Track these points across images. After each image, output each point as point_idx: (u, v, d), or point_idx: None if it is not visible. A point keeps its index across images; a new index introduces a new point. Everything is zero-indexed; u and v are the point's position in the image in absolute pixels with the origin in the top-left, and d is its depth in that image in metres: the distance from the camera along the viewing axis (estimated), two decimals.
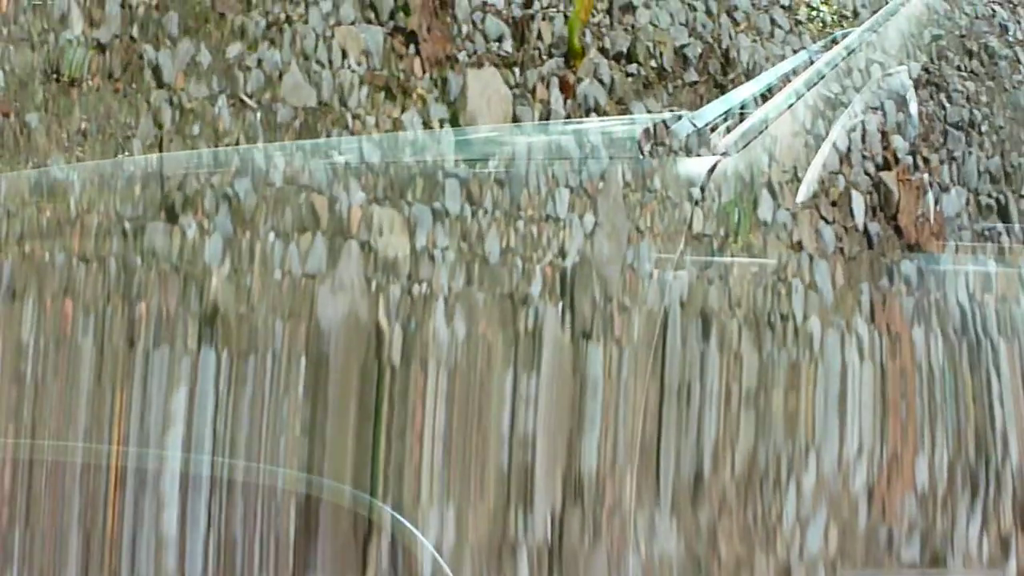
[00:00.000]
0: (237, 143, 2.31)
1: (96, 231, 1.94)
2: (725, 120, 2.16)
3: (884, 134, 2.07)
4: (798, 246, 1.95)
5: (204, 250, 1.91)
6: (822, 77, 2.15)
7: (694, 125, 2.08)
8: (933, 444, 1.89)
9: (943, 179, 2.07)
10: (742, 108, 2.20)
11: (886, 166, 2.05)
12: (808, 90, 2.13)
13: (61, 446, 1.82)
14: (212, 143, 2.29)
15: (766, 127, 2.05)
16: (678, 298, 1.88)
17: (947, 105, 2.20)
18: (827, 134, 2.06)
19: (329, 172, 2.09)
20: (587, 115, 2.38)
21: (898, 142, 2.07)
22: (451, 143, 2.26)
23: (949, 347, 1.91)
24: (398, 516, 1.78)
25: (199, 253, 1.91)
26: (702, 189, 1.95)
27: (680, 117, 2.12)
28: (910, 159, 2.06)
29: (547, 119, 2.36)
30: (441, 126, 2.36)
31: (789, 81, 2.22)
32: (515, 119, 2.36)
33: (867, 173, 2.03)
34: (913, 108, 2.15)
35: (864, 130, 2.07)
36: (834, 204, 1.99)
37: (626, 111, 2.40)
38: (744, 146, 2.02)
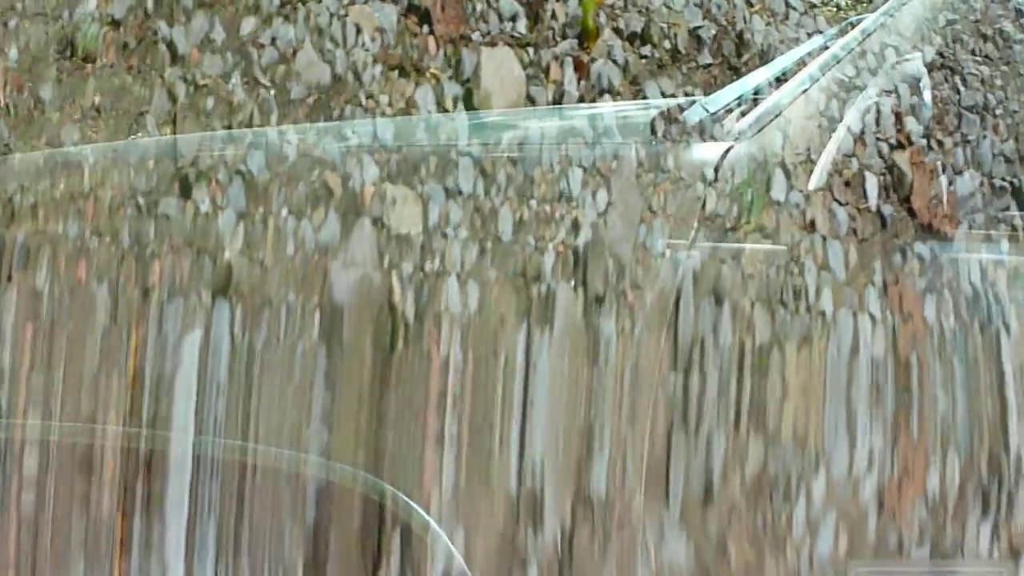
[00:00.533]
0: (251, 120, 2.31)
1: (110, 205, 1.95)
2: (739, 105, 2.15)
3: (898, 116, 2.07)
4: (811, 226, 1.95)
5: (217, 223, 1.91)
6: (837, 61, 2.15)
7: (707, 110, 2.08)
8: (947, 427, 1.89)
9: (957, 162, 2.07)
10: (756, 93, 2.20)
11: (900, 148, 2.04)
12: (823, 74, 2.12)
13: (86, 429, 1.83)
14: (226, 119, 2.29)
15: (780, 112, 2.05)
16: (691, 275, 1.88)
17: (961, 89, 2.19)
18: (841, 118, 2.06)
19: (342, 150, 2.10)
20: (601, 96, 2.38)
21: (912, 124, 2.06)
22: (464, 125, 2.26)
23: (961, 324, 1.91)
24: (410, 502, 1.78)
25: (212, 225, 1.91)
26: (715, 171, 1.95)
27: (694, 101, 2.12)
28: (924, 142, 2.06)
29: (561, 99, 2.36)
30: (455, 105, 2.35)
31: (804, 65, 2.21)
32: (529, 99, 2.36)
33: (881, 155, 2.03)
34: (927, 96, 2.15)
35: (878, 112, 2.07)
36: (847, 185, 1.99)
37: (640, 91, 2.40)
38: (758, 131, 2.01)
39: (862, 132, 2.05)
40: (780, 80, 2.22)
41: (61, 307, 1.86)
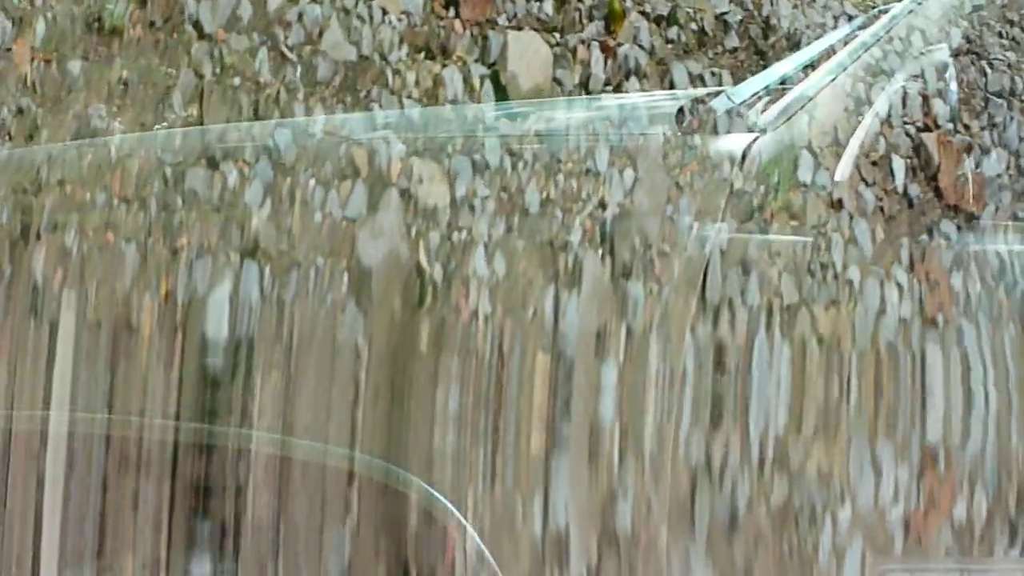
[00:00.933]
0: (277, 96, 2.32)
1: (137, 175, 1.95)
2: (766, 94, 2.15)
3: (925, 98, 2.08)
4: (838, 204, 1.95)
5: (244, 193, 1.92)
6: (865, 49, 2.15)
7: (733, 101, 2.08)
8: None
9: (984, 143, 2.07)
10: (783, 82, 2.20)
11: (927, 130, 2.05)
12: (851, 63, 2.12)
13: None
14: (253, 95, 2.30)
15: (807, 102, 2.05)
16: (718, 248, 1.88)
17: (988, 73, 2.20)
18: (869, 106, 2.06)
19: (368, 125, 2.10)
20: (627, 78, 2.39)
21: (939, 107, 2.07)
22: (492, 109, 2.27)
23: (987, 291, 1.92)
24: (437, 494, 1.78)
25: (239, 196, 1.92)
26: (742, 160, 1.95)
27: (721, 91, 2.12)
28: (951, 125, 2.06)
29: (588, 82, 2.37)
30: (481, 85, 2.36)
31: (831, 54, 2.22)
32: (556, 81, 2.37)
33: (908, 135, 2.03)
34: (953, 86, 2.15)
35: (905, 95, 2.08)
36: (874, 165, 2.00)
37: (667, 72, 2.40)
38: (784, 121, 2.01)
39: (889, 114, 2.05)
40: (807, 68, 2.23)
41: (90, 263, 1.86)
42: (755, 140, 1.98)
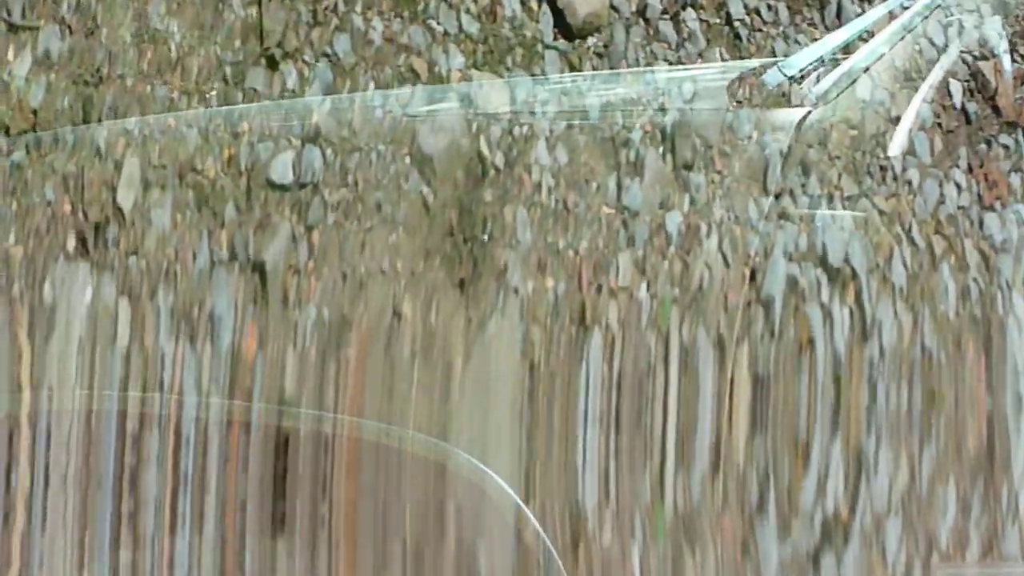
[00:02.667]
0: (335, 7, 2.33)
1: (197, 74, 1.97)
2: (820, 66, 2.16)
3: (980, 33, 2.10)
4: (896, 120, 1.97)
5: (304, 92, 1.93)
6: (920, 21, 2.16)
7: (785, 74, 2.08)
8: None
9: None
10: (835, 54, 2.20)
11: (983, 59, 2.07)
12: (904, 35, 2.13)
13: None
14: (311, 5, 2.31)
15: (860, 75, 2.05)
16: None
17: None
18: (922, 79, 2.07)
19: (428, 37, 2.12)
20: (684, 8, 2.40)
21: (993, 38, 2.09)
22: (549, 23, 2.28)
23: None
24: (482, 466, 1.77)
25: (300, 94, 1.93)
26: (797, 131, 1.96)
27: (773, 63, 2.13)
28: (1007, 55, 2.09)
29: (644, 10, 2.38)
30: (540, 6, 2.38)
31: (883, 25, 2.22)
32: (613, 8, 2.38)
33: (964, 63, 2.05)
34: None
35: (961, 27, 2.10)
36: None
37: (724, 5, 2.42)
38: (837, 95, 2.02)
39: (945, 44, 2.07)
40: (861, 39, 2.23)
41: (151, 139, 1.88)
42: (808, 114, 1.99)
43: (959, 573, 1.87)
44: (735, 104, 1.97)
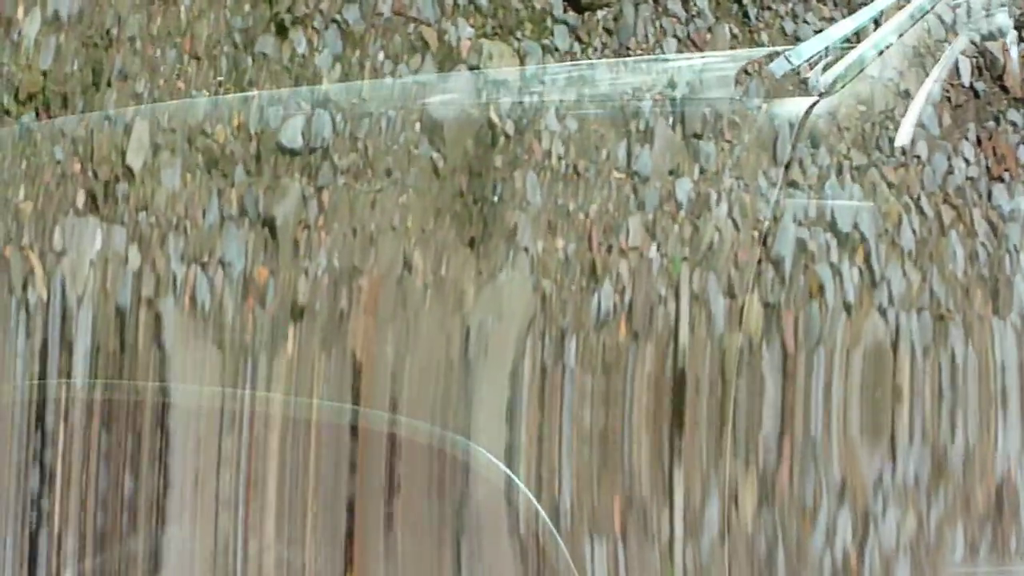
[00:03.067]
0: None
1: (207, 37, 1.97)
2: (825, 55, 2.16)
3: (987, 11, 2.10)
4: (905, 95, 1.97)
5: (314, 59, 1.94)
6: (926, 12, 2.16)
7: (791, 63, 2.08)
8: None
9: None
10: (843, 43, 2.20)
11: (991, 39, 2.08)
12: (912, 24, 2.13)
13: None
14: None
15: (867, 64, 2.05)
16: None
17: None
18: (927, 73, 2.07)
19: (437, 10, 2.12)
20: None
21: (1002, 19, 2.10)
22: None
23: None
24: (493, 458, 1.77)
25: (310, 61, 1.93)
26: (801, 125, 1.96)
27: (778, 53, 2.14)
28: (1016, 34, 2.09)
29: None
30: None
31: (890, 16, 2.23)
32: None
33: (973, 43, 2.06)
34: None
35: (969, 7, 2.10)
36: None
37: None
38: (843, 86, 2.02)
39: (953, 22, 2.07)
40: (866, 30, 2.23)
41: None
42: (814, 104, 1.99)
43: (970, 573, 1.87)
44: (742, 93, 1.98)
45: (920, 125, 1.94)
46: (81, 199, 1.85)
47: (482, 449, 1.75)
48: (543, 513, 1.77)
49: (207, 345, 1.77)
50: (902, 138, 1.96)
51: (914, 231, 1.87)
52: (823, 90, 2.01)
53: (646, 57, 2.42)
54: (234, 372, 1.76)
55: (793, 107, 1.92)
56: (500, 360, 1.77)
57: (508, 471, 1.76)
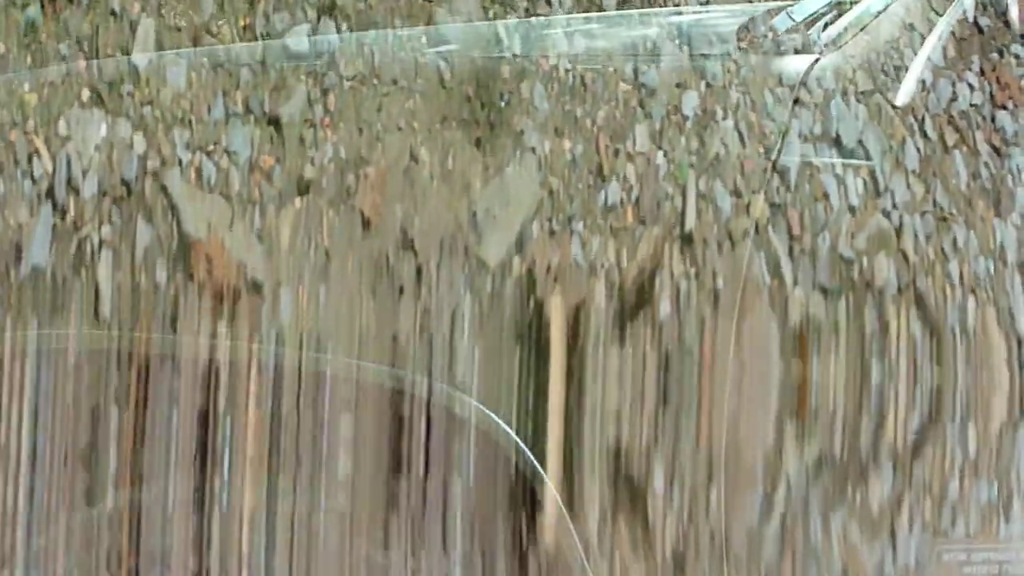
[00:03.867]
0: None
1: None
2: (829, 11, 2.16)
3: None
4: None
5: None
6: None
7: (793, 19, 2.08)
8: None
9: None
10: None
11: None
12: None
13: None
14: None
15: (871, 20, 2.06)
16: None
17: None
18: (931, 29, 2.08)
19: None
20: None
21: None
22: None
23: None
24: (491, 414, 1.77)
25: None
26: (802, 83, 1.96)
27: (780, 9, 2.14)
28: None
29: None
30: None
31: None
32: None
33: None
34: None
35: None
36: None
37: None
38: (846, 42, 2.03)
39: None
40: None
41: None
42: (815, 62, 1.99)
43: (964, 548, 1.88)
44: (743, 48, 1.98)
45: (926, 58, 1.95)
46: (86, 94, 1.85)
47: None
48: None
49: (214, 198, 1.77)
50: (902, 97, 1.96)
51: (918, 149, 1.88)
52: (825, 47, 2.01)
53: (648, 10, 2.43)
54: (241, 220, 1.77)
55: (794, 64, 1.92)
56: (505, 237, 1.78)
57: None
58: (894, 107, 1.88)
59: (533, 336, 1.77)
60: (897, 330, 1.84)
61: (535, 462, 1.75)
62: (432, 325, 1.74)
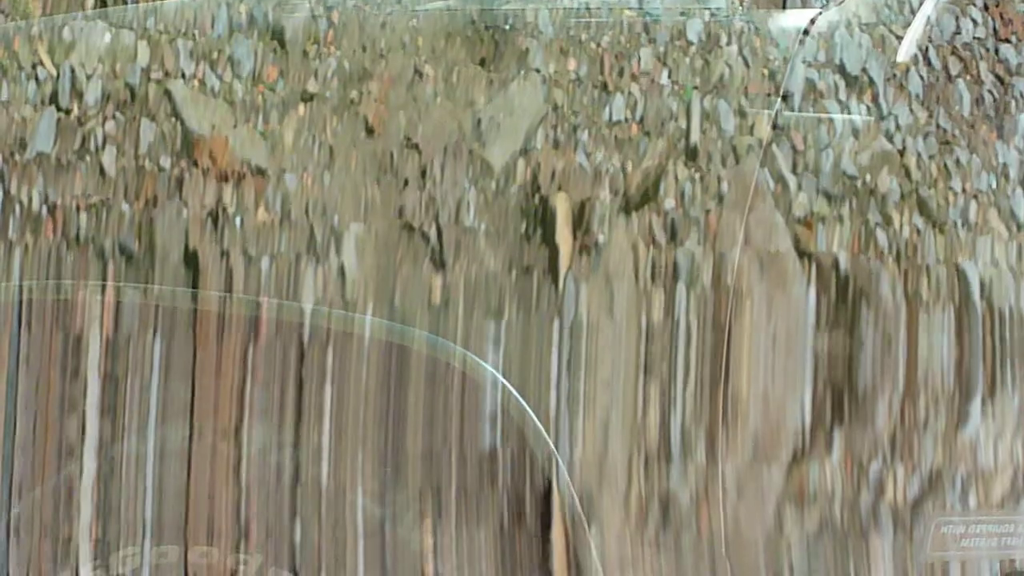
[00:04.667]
0: None
1: None
2: None
3: None
4: None
5: None
6: None
7: None
8: None
9: None
10: None
11: None
12: None
13: None
14: None
15: None
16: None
17: None
18: None
19: None
20: None
21: None
22: None
23: None
24: (510, 387, 1.76)
25: None
26: (804, 37, 1.94)
27: None
28: None
29: None
30: None
31: None
32: None
33: None
34: None
35: None
36: None
37: None
38: None
39: None
40: None
41: None
42: (817, 16, 1.97)
43: (962, 521, 1.89)
44: (744, 7, 1.97)
45: None
46: (90, 3, 1.85)
47: None
48: None
49: (218, 101, 1.78)
50: (903, 54, 1.96)
51: (922, 77, 1.88)
52: (825, 2, 2.01)
53: None
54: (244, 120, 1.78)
55: (795, 19, 1.91)
56: (510, 143, 1.78)
57: None
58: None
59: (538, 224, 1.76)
60: (899, 224, 1.84)
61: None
62: (438, 211, 1.74)
